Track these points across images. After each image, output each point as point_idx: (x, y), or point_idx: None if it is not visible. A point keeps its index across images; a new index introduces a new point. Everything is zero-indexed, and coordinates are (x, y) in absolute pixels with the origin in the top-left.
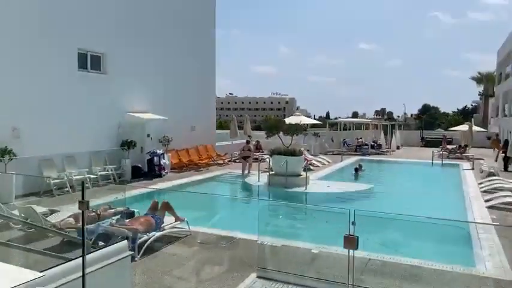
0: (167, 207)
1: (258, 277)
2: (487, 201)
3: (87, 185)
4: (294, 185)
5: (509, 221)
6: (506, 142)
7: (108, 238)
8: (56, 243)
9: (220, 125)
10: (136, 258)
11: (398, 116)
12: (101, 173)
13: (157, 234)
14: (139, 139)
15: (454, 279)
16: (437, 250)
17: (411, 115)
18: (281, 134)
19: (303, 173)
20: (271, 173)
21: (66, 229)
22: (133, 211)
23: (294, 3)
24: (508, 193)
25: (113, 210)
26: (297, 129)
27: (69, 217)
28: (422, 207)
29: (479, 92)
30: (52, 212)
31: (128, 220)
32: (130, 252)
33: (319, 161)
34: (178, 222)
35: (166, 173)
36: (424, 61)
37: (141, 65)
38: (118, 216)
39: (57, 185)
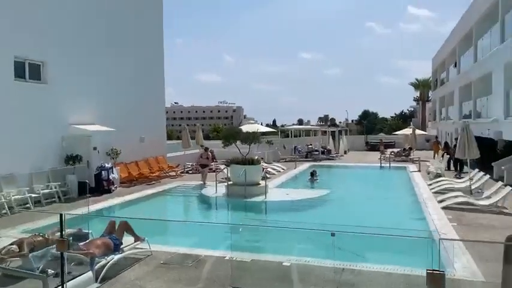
0: (126, 227)
1: None
2: (440, 201)
3: (27, 205)
4: (253, 195)
5: (464, 221)
6: (446, 144)
7: (59, 265)
8: None
9: (168, 135)
10: (92, 283)
11: (340, 122)
12: (44, 191)
13: (117, 257)
14: (85, 153)
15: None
16: (406, 256)
17: (352, 121)
18: (238, 143)
19: (262, 182)
20: (229, 183)
21: (8, 259)
22: (87, 232)
23: (236, 13)
24: (459, 193)
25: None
26: (254, 138)
27: (11, 244)
28: (383, 211)
29: (415, 97)
30: None
31: (82, 243)
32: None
33: (275, 169)
34: (138, 242)
35: (116, 187)
36: (361, 69)
37: (85, 74)
38: (70, 240)
39: None
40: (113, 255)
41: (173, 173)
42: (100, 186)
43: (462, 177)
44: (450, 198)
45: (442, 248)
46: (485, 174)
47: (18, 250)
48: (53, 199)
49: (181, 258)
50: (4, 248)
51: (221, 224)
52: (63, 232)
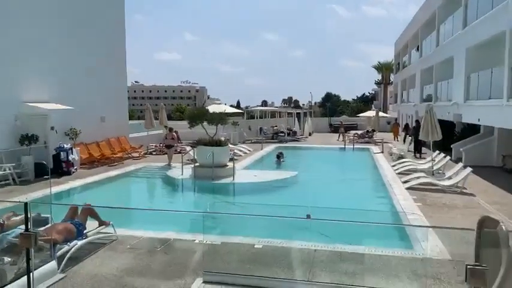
0: (89, 211)
1: (205, 282)
2: (404, 182)
3: None
4: (220, 177)
5: (428, 201)
6: (407, 126)
7: (16, 252)
8: None
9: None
10: (57, 273)
11: (304, 104)
12: None
13: (80, 242)
14: (42, 133)
15: (400, 264)
16: (377, 236)
17: (315, 103)
18: (204, 123)
19: (229, 164)
20: (196, 165)
21: None
22: (47, 217)
23: None
24: (421, 174)
25: (19, 217)
26: (221, 119)
27: None
28: (350, 192)
29: (376, 80)
30: None
31: (42, 229)
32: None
33: (241, 150)
34: (103, 226)
35: (76, 169)
36: (324, 52)
37: (39, 48)
38: (37, 233)
39: None
40: (76, 241)
41: (136, 154)
42: (59, 168)
43: (422, 158)
44: (414, 179)
45: (409, 228)
46: (445, 156)
47: None
48: (7, 181)
49: (149, 243)
50: None
51: (195, 212)
52: (29, 224)
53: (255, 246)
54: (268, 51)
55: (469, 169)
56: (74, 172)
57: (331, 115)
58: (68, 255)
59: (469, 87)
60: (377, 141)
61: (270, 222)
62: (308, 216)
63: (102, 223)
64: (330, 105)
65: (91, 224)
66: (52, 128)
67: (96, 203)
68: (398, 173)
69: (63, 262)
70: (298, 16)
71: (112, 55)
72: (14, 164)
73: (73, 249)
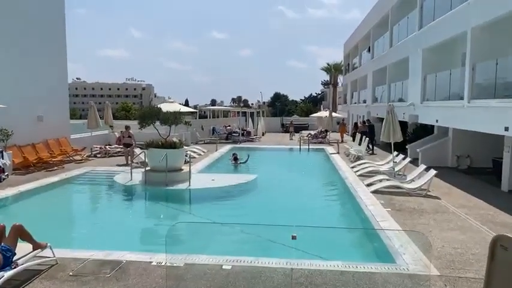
0: (21, 232)
1: None
2: (368, 185)
3: None
4: (175, 182)
5: (397, 205)
6: (356, 124)
7: None
8: None
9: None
10: None
11: (253, 104)
12: None
13: (8, 274)
14: None
15: (386, 281)
16: (354, 250)
17: (264, 102)
18: (157, 123)
19: (185, 167)
20: (147, 169)
21: None
22: None
23: None
24: (384, 176)
25: None
26: (176, 118)
27: None
28: (314, 197)
29: (323, 81)
30: None
31: None
32: None
33: (195, 152)
34: (39, 250)
35: (7, 175)
36: (272, 52)
37: None
38: None
39: None
40: (3, 272)
41: (79, 157)
42: None
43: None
44: (377, 182)
45: (384, 237)
46: (405, 158)
47: None
48: None
49: (97, 266)
50: None
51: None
52: None
53: (223, 267)
54: (216, 49)
55: (433, 171)
56: (4, 179)
57: (281, 115)
58: None
59: (425, 88)
60: (331, 141)
61: (237, 237)
62: (293, 237)
63: (37, 246)
64: (280, 105)
65: (23, 248)
66: None
67: (32, 216)
68: (360, 175)
69: None
70: (246, 16)
71: (50, 49)
72: None
73: None
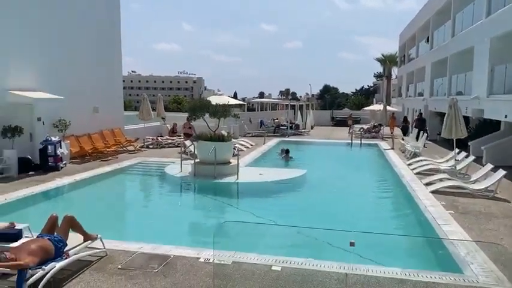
0: (72, 223)
1: None
2: (427, 184)
3: None
4: (223, 175)
5: (460, 208)
6: (405, 119)
7: None
8: None
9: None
10: None
11: (301, 96)
12: None
13: (59, 264)
14: (27, 124)
15: None
16: (414, 255)
17: (312, 95)
18: (206, 116)
19: (233, 160)
20: (196, 161)
21: None
22: (20, 230)
23: None
24: (444, 175)
25: None
26: (225, 111)
27: None
28: (369, 196)
29: (375, 73)
30: None
31: (12, 245)
32: None
33: (243, 145)
34: (89, 241)
35: (65, 164)
36: (322, 43)
37: (27, 30)
38: None
39: None
40: (54, 263)
41: (132, 148)
42: (46, 163)
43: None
44: (437, 181)
45: (448, 243)
46: (467, 155)
47: None
48: None
49: (145, 260)
50: None
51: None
52: None
53: (273, 267)
54: (265, 41)
55: (502, 171)
56: (62, 167)
57: (331, 108)
58: (42, 283)
59: (492, 80)
60: (385, 136)
61: (288, 237)
62: (352, 244)
63: (88, 237)
64: (329, 98)
65: (74, 238)
66: (39, 119)
67: (86, 205)
68: (417, 173)
69: None
70: (297, 7)
71: (106, 43)
72: None
73: (49, 274)
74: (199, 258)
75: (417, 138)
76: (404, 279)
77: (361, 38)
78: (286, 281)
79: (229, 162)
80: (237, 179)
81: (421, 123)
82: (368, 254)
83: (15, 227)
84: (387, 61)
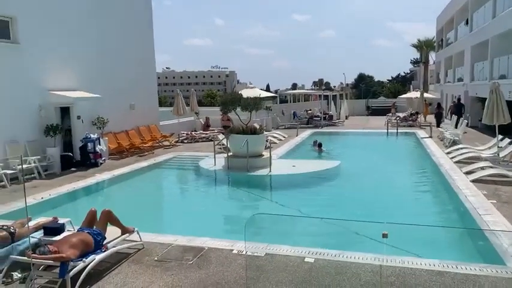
0: (109, 217)
1: None
2: (467, 173)
3: (2, 182)
4: (256, 167)
5: (504, 197)
6: (439, 105)
7: (27, 267)
8: None
9: (160, 102)
10: None
11: (335, 86)
12: (21, 166)
13: (98, 257)
14: (67, 122)
15: (495, 287)
16: (452, 247)
17: (347, 84)
18: (238, 109)
19: (265, 153)
20: (229, 154)
21: None
22: (63, 224)
23: None
24: (486, 163)
25: (33, 223)
26: (257, 104)
27: None
28: (404, 186)
29: (412, 60)
30: None
31: (55, 238)
32: None
33: (276, 137)
34: (127, 234)
35: (104, 160)
36: (356, 31)
37: (65, 33)
38: (41, 234)
39: None
40: (94, 256)
41: (167, 143)
42: (86, 159)
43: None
44: (478, 170)
45: (489, 233)
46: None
47: None
48: (32, 175)
49: (180, 253)
50: None
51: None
52: None
53: (306, 259)
54: (296, 32)
55: None
56: (101, 163)
57: (366, 97)
58: (83, 275)
59: None
60: (422, 124)
61: (321, 229)
62: (384, 236)
63: (125, 230)
64: (364, 87)
65: (112, 232)
66: (78, 118)
67: (123, 199)
68: (457, 162)
69: (78, 284)
70: None
71: (140, 40)
72: (39, 157)
73: (89, 266)
74: (233, 250)
75: (456, 125)
76: (442, 271)
77: (396, 24)
78: (320, 273)
79: (262, 155)
80: (270, 171)
81: (457, 109)
82: (404, 245)
83: (58, 221)
84: (424, 46)
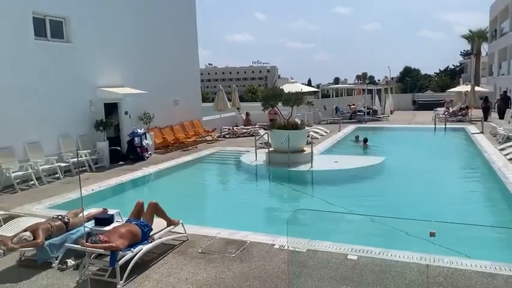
0: (156, 209)
1: None
2: None
3: (57, 175)
4: (297, 163)
5: None
6: (486, 98)
7: (80, 254)
8: (10, 265)
9: (203, 97)
10: (118, 286)
11: (379, 80)
12: (74, 159)
13: (146, 247)
14: (116, 118)
15: None
16: (504, 248)
17: (392, 78)
18: (279, 104)
19: (307, 148)
20: (270, 149)
21: (19, 249)
22: (112, 215)
23: None
24: None
25: (85, 214)
26: (298, 99)
27: (24, 230)
28: (453, 185)
29: (462, 52)
30: (11, 217)
31: (105, 228)
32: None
33: (317, 132)
34: (172, 226)
35: (150, 154)
36: (401, 23)
37: (112, 31)
38: (92, 224)
39: (19, 178)
40: (141, 246)
41: (210, 138)
42: (133, 154)
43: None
44: None
45: None
46: None
47: (32, 238)
48: (84, 168)
49: (223, 245)
50: (16, 235)
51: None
52: None
53: (349, 256)
54: (339, 25)
55: None
56: (148, 157)
57: (412, 91)
58: (131, 264)
59: None
60: (472, 119)
61: (365, 226)
62: (432, 234)
63: (170, 222)
64: (410, 80)
65: (158, 224)
66: (126, 113)
67: (169, 192)
68: (511, 159)
69: (126, 273)
70: None
71: (183, 38)
72: (89, 151)
73: (137, 255)
74: (274, 244)
75: (502, 117)
76: (494, 274)
77: (445, 14)
78: (363, 270)
79: (303, 150)
80: (311, 167)
81: (504, 102)
82: (453, 245)
83: (108, 213)
84: (475, 37)
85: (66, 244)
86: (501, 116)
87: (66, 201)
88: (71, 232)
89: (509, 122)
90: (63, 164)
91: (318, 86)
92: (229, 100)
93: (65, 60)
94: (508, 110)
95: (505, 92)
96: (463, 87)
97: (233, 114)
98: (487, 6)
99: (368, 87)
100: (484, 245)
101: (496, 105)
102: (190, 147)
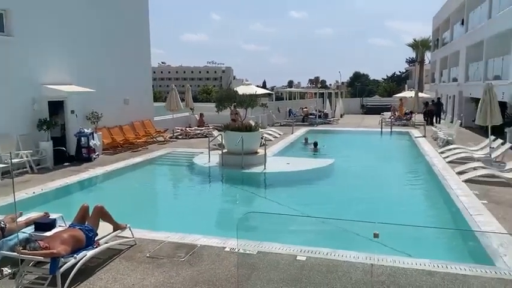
0: (102, 213)
1: None
2: (459, 173)
3: None
4: (250, 165)
5: (495, 198)
6: (427, 103)
7: (17, 262)
8: None
9: (155, 97)
10: None
11: (331, 84)
12: (13, 160)
13: (90, 253)
14: (61, 117)
15: (484, 287)
16: (443, 248)
17: (342, 83)
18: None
19: (260, 150)
20: (224, 151)
21: None
22: (54, 219)
23: None
24: (479, 164)
25: (24, 218)
26: (252, 101)
27: None
28: (397, 185)
29: (408, 59)
30: None
31: (46, 234)
32: None
33: (271, 134)
34: (119, 231)
35: (98, 155)
36: (352, 30)
37: (60, 26)
38: (31, 230)
39: None
40: (85, 252)
41: (161, 139)
42: (79, 154)
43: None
44: (471, 170)
45: (479, 234)
46: (504, 143)
47: None
48: (25, 169)
49: (172, 249)
50: None
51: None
52: None
53: (298, 258)
54: (294, 29)
55: None
56: (95, 158)
57: (361, 95)
58: (74, 271)
59: None
60: (416, 124)
61: (313, 227)
62: (375, 235)
63: (117, 227)
64: (360, 85)
65: (104, 228)
66: (72, 112)
67: (116, 195)
68: (450, 162)
69: (68, 280)
70: None
71: (135, 35)
72: (31, 151)
73: (80, 262)
74: (225, 247)
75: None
76: (432, 271)
77: (393, 23)
78: (311, 271)
79: (257, 152)
80: (265, 168)
81: (437, 108)
82: (395, 245)
83: (49, 217)
84: (420, 46)
85: (2, 251)
86: (430, 121)
87: (3, 205)
88: (7, 238)
89: (431, 124)
90: (1, 165)
91: (272, 89)
92: (183, 100)
93: (5, 54)
94: (455, 120)
95: (439, 98)
96: (408, 93)
97: (186, 114)
98: (431, 16)
99: (320, 91)
100: (424, 244)
101: (425, 111)
102: (140, 148)
